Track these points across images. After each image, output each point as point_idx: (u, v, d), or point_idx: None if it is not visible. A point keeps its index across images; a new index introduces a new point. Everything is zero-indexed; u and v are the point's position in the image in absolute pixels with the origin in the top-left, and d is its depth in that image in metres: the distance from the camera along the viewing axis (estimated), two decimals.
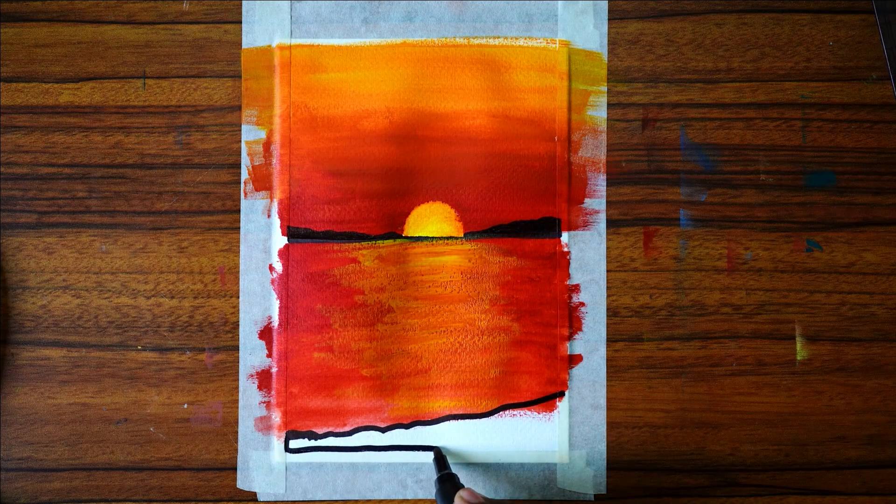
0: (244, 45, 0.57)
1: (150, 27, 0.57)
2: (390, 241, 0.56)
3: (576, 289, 0.56)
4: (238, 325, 0.56)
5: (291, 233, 0.56)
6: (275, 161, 0.56)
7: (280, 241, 0.56)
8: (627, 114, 0.57)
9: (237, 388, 0.56)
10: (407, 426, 0.56)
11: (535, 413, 0.56)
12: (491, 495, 0.55)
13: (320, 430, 0.56)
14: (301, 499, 0.56)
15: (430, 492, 0.55)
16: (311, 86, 0.57)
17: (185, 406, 0.56)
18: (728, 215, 0.56)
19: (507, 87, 0.57)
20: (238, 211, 0.56)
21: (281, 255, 0.56)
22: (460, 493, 0.48)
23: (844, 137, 0.56)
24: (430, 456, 0.55)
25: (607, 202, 0.56)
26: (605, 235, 0.56)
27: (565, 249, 0.56)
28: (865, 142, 0.56)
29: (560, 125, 0.56)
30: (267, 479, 0.56)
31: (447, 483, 0.50)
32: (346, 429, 0.56)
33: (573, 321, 0.56)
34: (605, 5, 0.57)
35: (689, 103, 0.57)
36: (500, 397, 0.56)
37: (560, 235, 0.56)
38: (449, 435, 0.56)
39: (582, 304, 0.56)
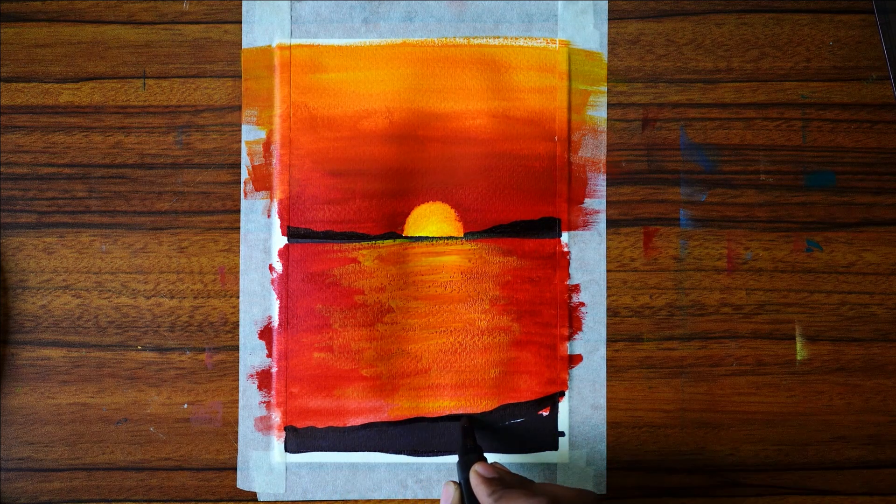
0: (244, 45, 0.57)
1: (150, 27, 0.57)
2: (390, 241, 0.56)
3: (576, 289, 0.56)
4: (238, 325, 0.56)
5: (291, 233, 0.56)
6: (275, 161, 0.56)
7: (280, 241, 0.56)
8: (627, 114, 0.57)
9: (237, 388, 0.56)
10: None
11: (535, 413, 0.56)
12: None
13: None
14: (301, 499, 0.56)
15: (431, 492, 0.55)
16: (311, 86, 0.57)
17: (185, 406, 0.56)
18: (728, 215, 0.56)
19: (507, 87, 0.57)
20: (238, 211, 0.56)
21: (281, 255, 0.56)
22: (475, 466, 0.47)
23: (844, 137, 0.56)
24: (435, 458, 0.55)
25: (607, 202, 0.56)
26: (605, 235, 0.56)
27: (565, 249, 0.56)
28: (865, 142, 0.56)
29: (560, 125, 0.56)
30: (267, 479, 0.56)
31: (471, 455, 0.50)
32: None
33: (573, 321, 0.56)
34: (605, 5, 0.57)
35: (689, 103, 0.57)
36: (500, 397, 0.56)
37: (560, 235, 0.56)
38: (448, 435, 0.56)
39: (582, 304, 0.56)
